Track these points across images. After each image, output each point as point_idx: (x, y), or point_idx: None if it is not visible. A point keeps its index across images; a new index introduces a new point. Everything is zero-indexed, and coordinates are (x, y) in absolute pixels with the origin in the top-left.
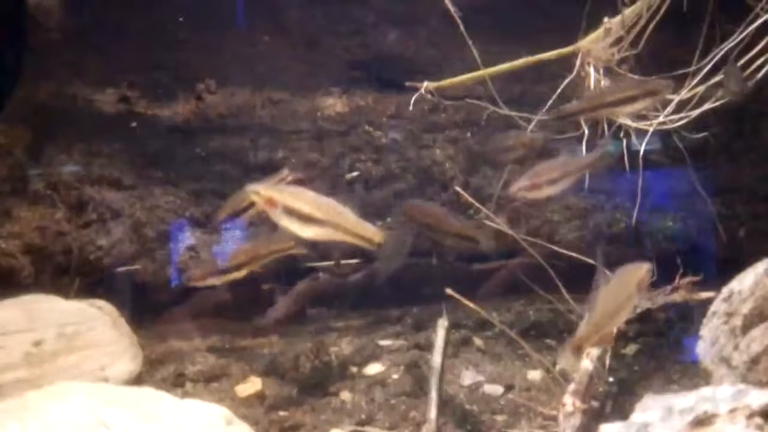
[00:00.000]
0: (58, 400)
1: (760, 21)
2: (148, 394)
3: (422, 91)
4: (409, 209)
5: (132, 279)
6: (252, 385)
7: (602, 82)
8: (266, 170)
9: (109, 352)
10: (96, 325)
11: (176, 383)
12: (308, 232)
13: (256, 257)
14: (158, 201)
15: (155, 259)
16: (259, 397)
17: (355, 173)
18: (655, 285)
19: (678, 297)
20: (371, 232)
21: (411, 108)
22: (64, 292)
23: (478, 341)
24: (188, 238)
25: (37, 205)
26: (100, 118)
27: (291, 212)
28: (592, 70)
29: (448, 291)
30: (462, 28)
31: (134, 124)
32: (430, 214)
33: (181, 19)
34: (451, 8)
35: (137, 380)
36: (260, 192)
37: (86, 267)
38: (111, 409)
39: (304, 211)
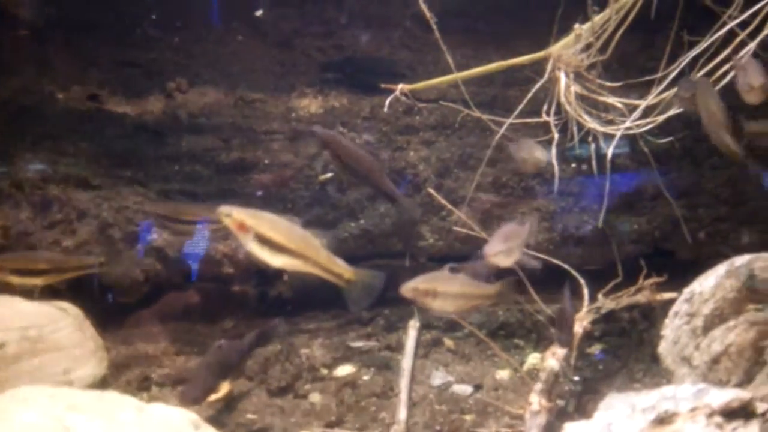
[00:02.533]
0: (21, 404)
1: (725, 29)
2: (112, 398)
3: (397, 93)
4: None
5: (98, 281)
6: (220, 389)
7: (572, 87)
8: (238, 170)
9: (74, 355)
10: (60, 327)
11: (142, 387)
12: (278, 261)
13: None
14: (126, 201)
15: (122, 260)
16: (228, 400)
17: (328, 174)
18: (619, 286)
19: (642, 298)
20: (342, 268)
21: (385, 110)
22: (28, 293)
23: (448, 342)
24: (156, 239)
25: (1, 205)
26: (67, 116)
27: (263, 240)
28: (562, 75)
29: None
30: (436, 31)
31: (102, 123)
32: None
33: (153, 16)
34: (426, 12)
35: (102, 384)
36: (232, 215)
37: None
38: (74, 414)
39: (277, 241)
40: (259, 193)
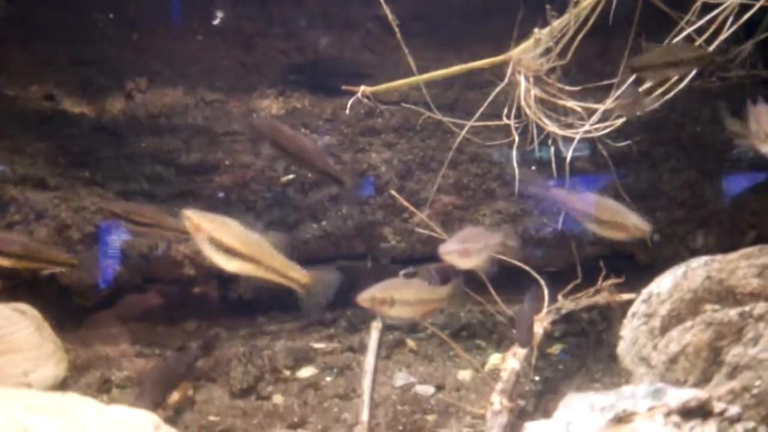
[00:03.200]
0: None
1: (683, 35)
2: (72, 400)
3: (359, 95)
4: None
5: (56, 282)
6: (182, 391)
7: (531, 91)
8: (199, 172)
9: (33, 357)
10: (18, 329)
11: (102, 389)
12: (232, 266)
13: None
14: (84, 202)
15: (79, 262)
16: (189, 401)
17: (290, 176)
18: (579, 287)
19: (601, 299)
20: (299, 273)
21: (347, 112)
22: None
23: (410, 343)
24: (114, 240)
25: None
26: (24, 115)
27: (217, 243)
28: (522, 78)
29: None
30: (398, 34)
31: (60, 123)
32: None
33: (111, 15)
34: (389, 14)
35: (62, 386)
36: (191, 217)
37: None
38: (33, 416)
39: (230, 245)
40: (220, 194)
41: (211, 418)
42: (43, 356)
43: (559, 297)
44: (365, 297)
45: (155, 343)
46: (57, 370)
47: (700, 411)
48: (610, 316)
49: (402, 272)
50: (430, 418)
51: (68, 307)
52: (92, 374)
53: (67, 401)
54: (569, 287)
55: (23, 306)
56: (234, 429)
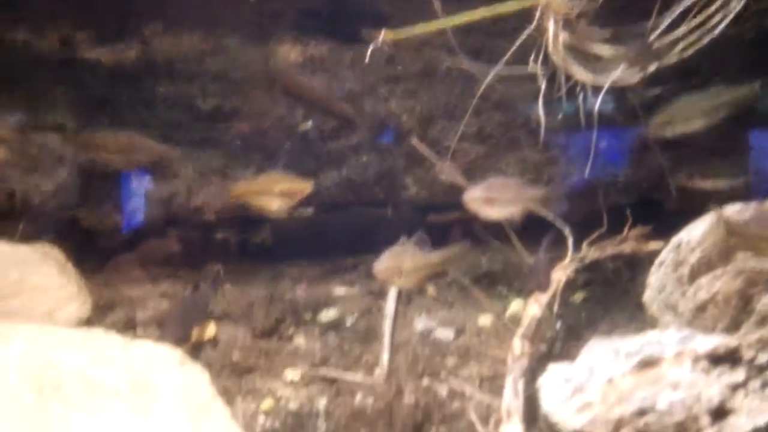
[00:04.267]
0: (3, 341)
1: None
2: (98, 335)
3: (379, 41)
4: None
5: (78, 225)
6: (205, 329)
7: (560, 37)
8: (217, 118)
9: (57, 296)
10: (42, 269)
11: (127, 328)
12: None
13: None
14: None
15: (102, 204)
16: (213, 341)
17: (309, 123)
18: (605, 236)
19: (627, 247)
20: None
21: (367, 59)
22: (8, 236)
23: (431, 289)
24: (134, 184)
25: None
26: (40, 61)
27: None
28: (551, 23)
29: (402, 240)
30: None
31: (77, 69)
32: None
33: None
34: None
35: (86, 325)
36: None
37: (30, 211)
38: (59, 351)
39: None
40: (239, 142)
41: (235, 357)
42: (67, 296)
43: (584, 245)
44: (381, 268)
45: (177, 286)
46: (81, 310)
47: (728, 357)
48: (636, 265)
49: (401, 239)
50: (450, 361)
51: (91, 249)
52: (116, 314)
53: (93, 337)
54: (594, 236)
55: (46, 247)
56: (257, 367)
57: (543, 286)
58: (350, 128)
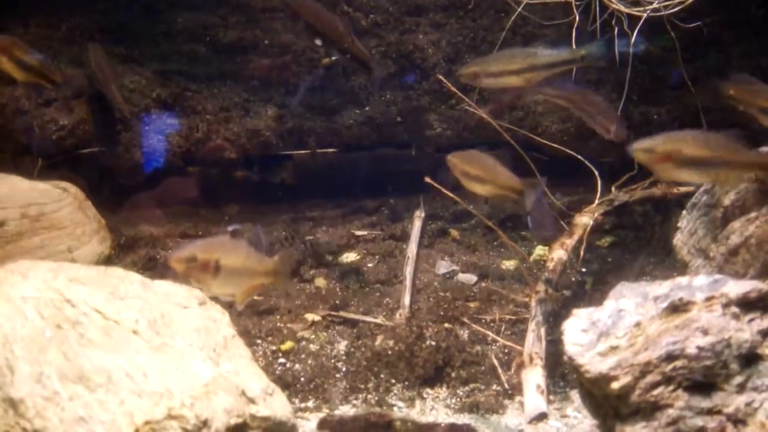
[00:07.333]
0: (20, 276)
1: None
2: (117, 273)
3: None
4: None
5: (97, 162)
6: None
7: None
8: (237, 51)
9: (76, 234)
10: (61, 206)
11: (147, 267)
12: None
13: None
14: (122, 81)
15: (120, 141)
16: None
17: (333, 57)
18: (633, 179)
19: (657, 191)
20: None
21: None
22: (26, 172)
23: (454, 232)
24: (155, 120)
25: None
26: None
27: None
28: None
29: (427, 179)
30: None
31: None
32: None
33: None
34: None
35: (106, 263)
36: None
37: (49, 147)
38: (77, 287)
39: None
40: (259, 75)
41: (255, 297)
42: (87, 233)
43: (613, 188)
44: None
45: (198, 225)
46: (101, 248)
47: (760, 303)
48: (666, 209)
49: (230, 228)
50: (473, 304)
51: (110, 187)
52: (137, 252)
53: (111, 274)
54: (624, 178)
55: (65, 183)
56: (277, 308)
57: (549, 239)
58: (366, 72)
